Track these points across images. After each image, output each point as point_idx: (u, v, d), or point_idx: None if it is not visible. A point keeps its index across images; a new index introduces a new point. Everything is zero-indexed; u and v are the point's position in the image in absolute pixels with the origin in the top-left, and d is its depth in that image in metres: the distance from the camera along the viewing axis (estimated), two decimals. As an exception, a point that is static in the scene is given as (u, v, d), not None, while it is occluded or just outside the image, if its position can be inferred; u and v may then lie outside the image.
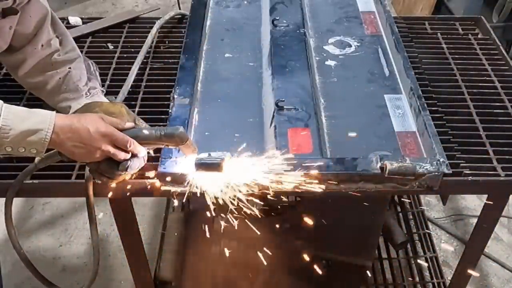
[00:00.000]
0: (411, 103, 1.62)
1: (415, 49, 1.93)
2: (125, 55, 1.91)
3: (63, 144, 1.21)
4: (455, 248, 2.71)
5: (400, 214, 2.49)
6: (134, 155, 1.28)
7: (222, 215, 1.41)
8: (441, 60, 1.93)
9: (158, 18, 1.99)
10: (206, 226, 1.56)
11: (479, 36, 2.09)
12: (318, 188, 1.35)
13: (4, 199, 1.41)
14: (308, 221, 1.59)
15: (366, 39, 1.93)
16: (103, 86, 1.70)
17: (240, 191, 1.33)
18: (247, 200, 1.35)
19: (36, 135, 1.16)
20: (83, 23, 2.07)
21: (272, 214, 1.72)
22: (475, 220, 1.82)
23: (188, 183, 1.34)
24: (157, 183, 1.38)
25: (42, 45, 1.48)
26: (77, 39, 1.82)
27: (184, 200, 1.44)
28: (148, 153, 1.35)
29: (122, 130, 1.26)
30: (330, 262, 1.91)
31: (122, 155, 1.25)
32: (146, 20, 2.12)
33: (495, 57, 1.97)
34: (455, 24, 2.15)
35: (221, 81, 1.73)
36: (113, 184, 1.35)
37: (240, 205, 1.36)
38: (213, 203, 1.33)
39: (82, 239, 2.70)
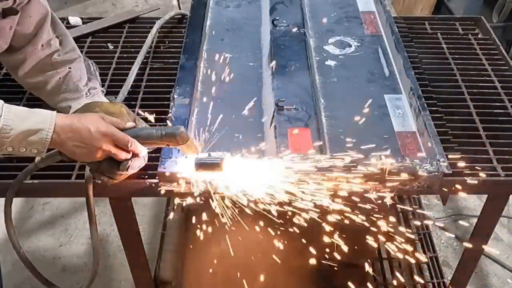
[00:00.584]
0: (411, 103, 1.62)
1: (415, 49, 1.93)
2: (125, 55, 1.91)
3: (64, 144, 1.21)
4: (455, 248, 2.71)
5: (400, 214, 2.49)
6: (134, 155, 1.28)
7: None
8: (441, 60, 1.93)
9: (158, 18, 1.99)
10: (206, 226, 1.56)
11: (479, 36, 2.09)
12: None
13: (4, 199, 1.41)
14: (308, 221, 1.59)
15: (366, 39, 1.93)
16: (103, 86, 1.70)
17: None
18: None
19: (36, 135, 1.16)
20: (83, 23, 2.07)
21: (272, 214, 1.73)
22: (475, 220, 1.81)
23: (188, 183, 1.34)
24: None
25: (42, 45, 1.48)
26: (77, 39, 1.82)
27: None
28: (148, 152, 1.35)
29: (123, 130, 1.26)
30: (330, 262, 1.91)
31: (123, 155, 1.26)
32: (146, 20, 2.12)
33: (495, 57, 1.97)
34: (455, 24, 2.15)
35: (221, 81, 1.73)
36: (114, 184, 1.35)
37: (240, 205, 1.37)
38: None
39: (82, 239, 2.70)
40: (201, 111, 1.61)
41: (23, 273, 1.63)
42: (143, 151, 1.30)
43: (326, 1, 2.15)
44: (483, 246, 1.77)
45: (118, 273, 2.54)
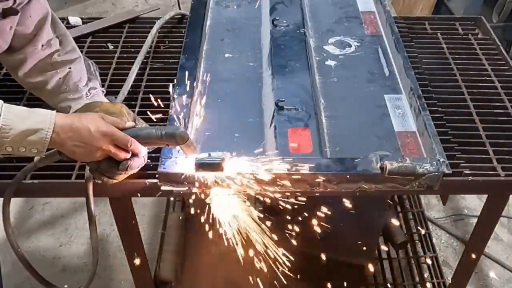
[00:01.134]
0: (411, 103, 1.62)
1: (415, 49, 1.93)
2: (125, 55, 1.91)
3: (64, 144, 1.21)
4: (455, 248, 2.71)
5: (400, 214, 2.49)
6: (134, 155, 1.28)
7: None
8: (441, 60, 1.93)
9: (158, 18, 1.99)
10: (206, 226, 1.56)
11: (479, 36, 2.09)
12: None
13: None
14: (308, 220, 1.59)
15: (366, 39, 1.93)
16: (103, 86, 1.70)
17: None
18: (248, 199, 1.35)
19: (36, 135, 1.16)
20: (83, 23, 2.07)
21: (272, 214, 1.73)
22: (475, 220, 1.82)
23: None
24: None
25: (42, 45, 1.48)
26: (77, 39, 1.82)
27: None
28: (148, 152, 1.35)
29: (122, 130, 1.26)
30: (330, 261, 1.91)
31: (122, 155, 1.26)
32: (146, 20, 2.12)
33: (495, 57, 1.97)
34: (455, 24, 2.15)
35: (221, 81, 1.73)
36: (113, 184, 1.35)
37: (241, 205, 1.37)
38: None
39: (82, 239, 2.70)
40: (201, 111, 1.61)
41: (23, 273, 1.63)
42: (143, 151, 1.30)
43: (326, 1, 2.15)
44: (483, 246, 1.78)
45: (118, 273, 2.54)
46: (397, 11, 4.29)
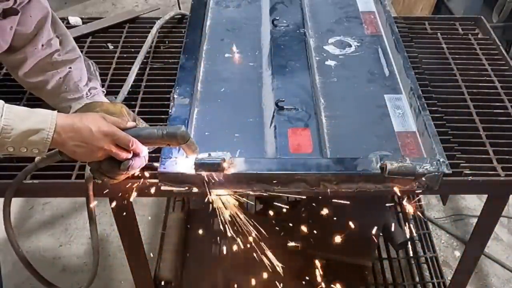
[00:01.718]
0: (411, 103, 1.62)
1: (415, 49, 1.93)
2: (125, 55, 1.91)
3: (65, 144, 1.21)
4: (455, 248, 2.71)
5: (400, 214, 2.49)
6: (135, 155, 1.28)
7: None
8: (441, 60, 1.93)
9: (158, 18, 1.99)
10: (206, 226, 1.56)
11: (479, 36, 2.09)
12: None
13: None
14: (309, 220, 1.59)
15: (366, 39, 1.93)
16: (103, 86, 1.69)
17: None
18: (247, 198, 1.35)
19: (37, 135, 1.16)
20: (83, 23, 2.07)
21: (272, 214, 1.73)
22: (475, 220, 1.82)
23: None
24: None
25: (42, 45, 1.48)
26: (77, 39, 1.82)
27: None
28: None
29: (123, 130, 1.26)
30: (330, 261, 1.91)
31: (123, 155, 1.25)
32: (146, 20, 2.12)
33: (495, 57, 1.97)
34: (455, 24, 2.15)
35: (221, 81, 1.73)
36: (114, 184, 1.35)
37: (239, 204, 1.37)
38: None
39: (82, 239, 2.70)
40: (201, 111, 1.61)
41: (23, 273, 1.63)
42: (144, 151, 1.30)
43: (326, 1, 2.15)
44: (483, 246, 1.78)
45: (118, 273, 2.54)
46: (397, 11, 4.29)
